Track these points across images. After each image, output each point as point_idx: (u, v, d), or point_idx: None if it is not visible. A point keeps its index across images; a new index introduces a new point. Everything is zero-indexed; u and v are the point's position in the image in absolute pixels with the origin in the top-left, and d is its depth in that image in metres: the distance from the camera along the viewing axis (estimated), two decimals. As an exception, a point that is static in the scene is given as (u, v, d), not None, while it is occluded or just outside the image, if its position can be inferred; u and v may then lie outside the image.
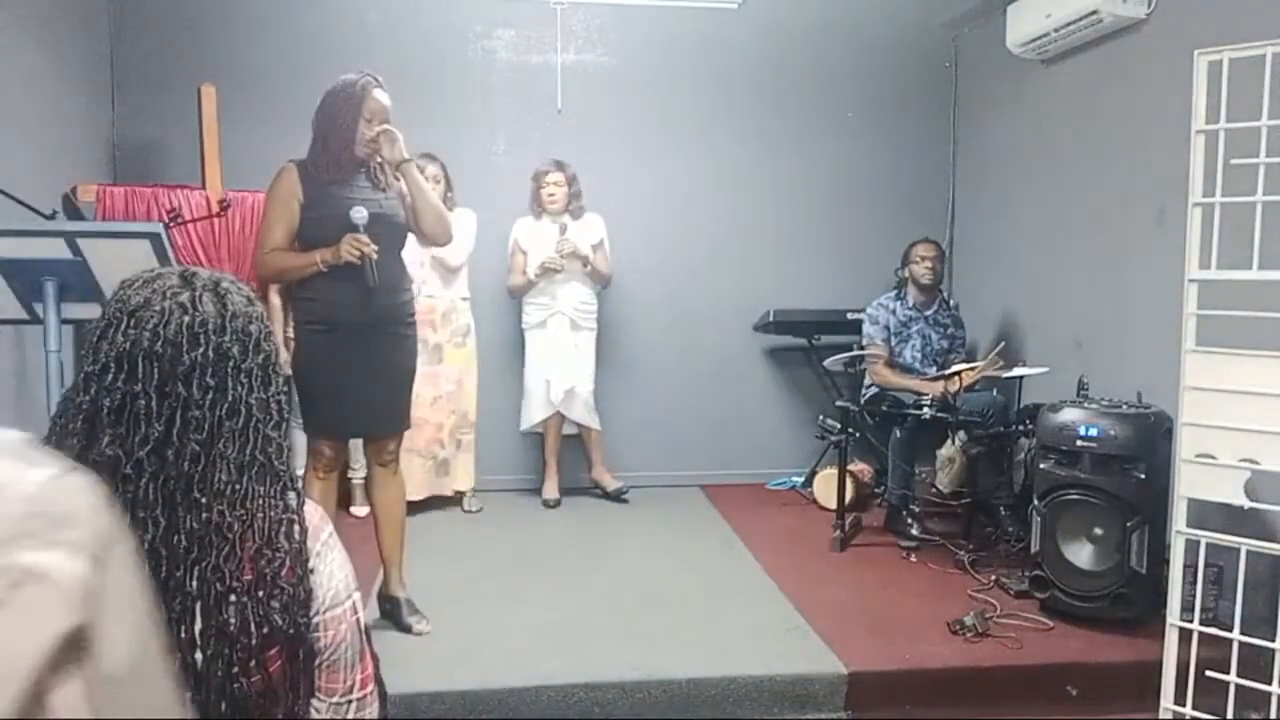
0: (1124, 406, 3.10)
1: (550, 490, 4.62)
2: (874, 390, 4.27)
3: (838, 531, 3.86)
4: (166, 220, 3.46)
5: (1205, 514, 2.52)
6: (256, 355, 1.09)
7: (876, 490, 4.50)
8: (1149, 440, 2.98)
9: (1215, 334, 2.47)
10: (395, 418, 2.98)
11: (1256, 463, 2.32)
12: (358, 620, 1.13)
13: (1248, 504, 2.36)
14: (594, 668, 2.69)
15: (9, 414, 3.12)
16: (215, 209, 3.96)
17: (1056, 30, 3.91)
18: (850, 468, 4.06)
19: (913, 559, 3.72)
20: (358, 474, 4.26)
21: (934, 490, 4.51)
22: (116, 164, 4.47)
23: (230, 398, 1.05)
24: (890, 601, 3.26)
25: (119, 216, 3.92)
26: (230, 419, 1.05)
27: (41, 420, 2.87)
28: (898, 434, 4.02)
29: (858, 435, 4.30)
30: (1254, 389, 2.32)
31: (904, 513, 4.00)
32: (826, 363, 4.42)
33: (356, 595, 1.14)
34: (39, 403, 2.80)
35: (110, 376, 1.02)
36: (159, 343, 1.02)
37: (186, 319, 1.04)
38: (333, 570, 1.11)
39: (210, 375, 1.04)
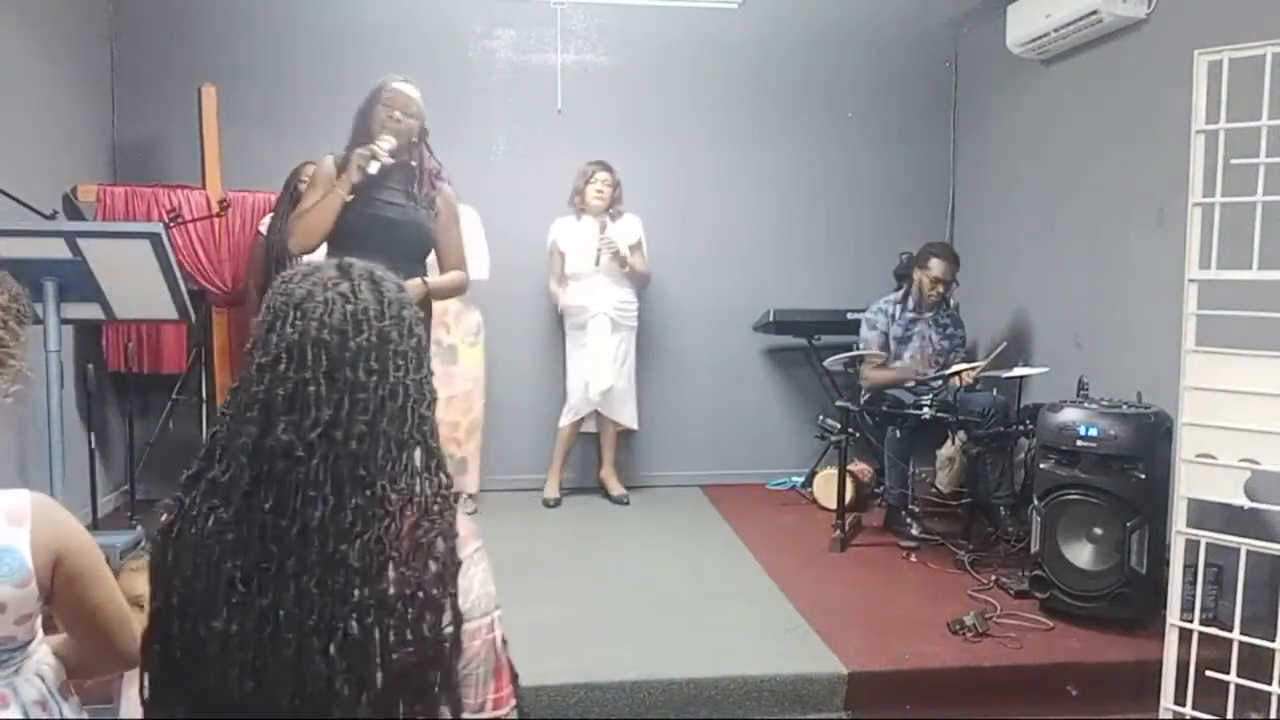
0: (1124, 406, 3.10)
1: (551, 489, 4.62)
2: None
3: (838, 531, 3.86)
4: (166, 220, 3.47)
5: (1205, 514, 2.52)
6: (410, 339, 1.15)
7: (876, 490, 4.49)
8: (1149, 440, 2.98)
9: (1215, 334, 2.47)
10: None
11: (1256, 463, 2.32)
12: (494, 639, 1.15)
13: (1248, 504, 2.36)
14: (594, 668, 2.69)
15: (8, 413, 3.11)
16: (215, 209, 3.97)
17: (1056, 30, 3.91)
18: (850, 468, 4.06)
19: (913, 559, 3.72)
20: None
21: (934, 490, 4.51)
22: (116, 164, 4.47)
23: (391, 379, 1.11)
24: (890, 601, 3.26)
25: (119, 216, 3.93)
26: (391, 400, 1.11)
27: (41, 420, 2.88)
28: (896, 434, 4.02)
29: (858, 435, 4.30)
30: (1254, 389, 2.31)
31: (904, 513, 4.00)
32: (826, 363, 4.41)
33: (497, 614, 1.16)
34: (39, 402, 2.79)
35: (282, 366, 1.08)
36: (325, 331, 1.09)
37: (350, 307, 1.11)
38: (473, 584, 1.13)
39: (374, 359, 1.10)
